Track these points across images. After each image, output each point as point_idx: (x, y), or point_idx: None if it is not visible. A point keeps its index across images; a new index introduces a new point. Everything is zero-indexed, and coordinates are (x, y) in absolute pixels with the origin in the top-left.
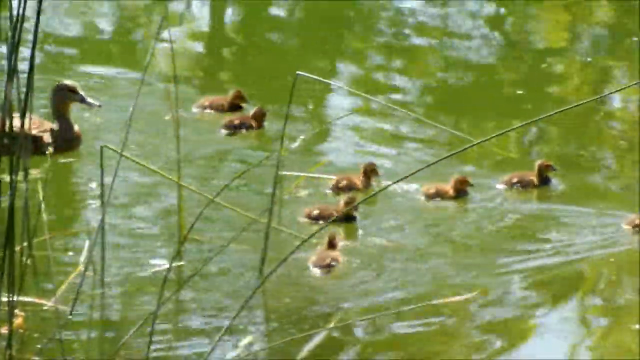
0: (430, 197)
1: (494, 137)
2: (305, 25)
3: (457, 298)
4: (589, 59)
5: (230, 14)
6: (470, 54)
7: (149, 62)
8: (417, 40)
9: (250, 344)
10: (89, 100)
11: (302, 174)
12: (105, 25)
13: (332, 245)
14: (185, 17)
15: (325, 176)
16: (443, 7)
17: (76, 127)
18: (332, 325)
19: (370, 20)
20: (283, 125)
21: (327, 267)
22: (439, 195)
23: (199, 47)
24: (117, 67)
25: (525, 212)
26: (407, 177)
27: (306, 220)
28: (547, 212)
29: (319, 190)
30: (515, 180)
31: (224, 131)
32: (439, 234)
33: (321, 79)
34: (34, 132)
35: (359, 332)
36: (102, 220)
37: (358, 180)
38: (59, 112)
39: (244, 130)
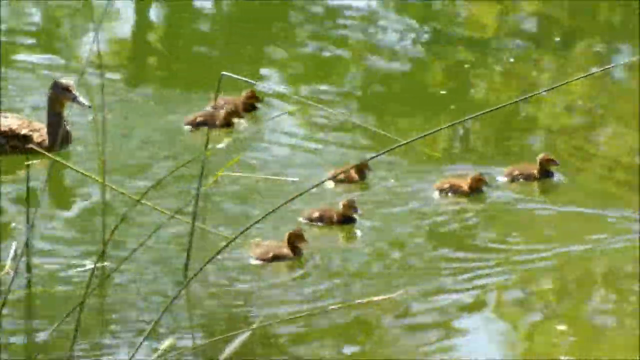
0: (443, 192)
1: (422, 136)
2: (232, 22)
3: (379, 298)
4: (511, 59)
5: (154, 11)
6: (395, 54)
7: (86, 63)
8: (344, 33)
9: (172, 345)
10: (80, 99)
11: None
12: (30, 26)
13: (293, 242)
14: (110, 16)
15: (248, 175)
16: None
17: (68, 127)
18: (255, 325)
19: (297, 17)
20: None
21: (269, 261)
22: (453, 190)
23: (124, 45)
24: (42, 65)
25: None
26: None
27: (306, 222)
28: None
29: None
30: (517, 172)
31: (187, 127)
32: (416, 232)
33: (246, 79)
34: (23, 131)
35: (283, 331)
36: (28, 221)
37: (355, 175)
38: (53, 109)
39: (205, 128)
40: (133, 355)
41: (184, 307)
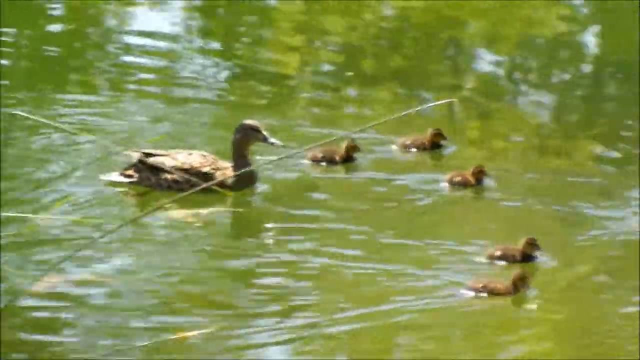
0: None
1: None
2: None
3: (189, 334)
4: (312, 92)
5: None
6: (198, 84)
7: None
8: (143, 75)
9: None
10: (272, 140)
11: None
12: None
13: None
14: None
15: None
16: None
17: (254, 167)
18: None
19: (94, 52)
20: None
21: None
22: None
23: None
24: None
25: None
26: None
27: (488, 261)
28: None
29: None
30: None
31: (307, 162)
32: None
33: (38, 118)
34: (205, 169)
35: None
36: None
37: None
38: (241, 150)
39: (324, 163)
40: None
41: None
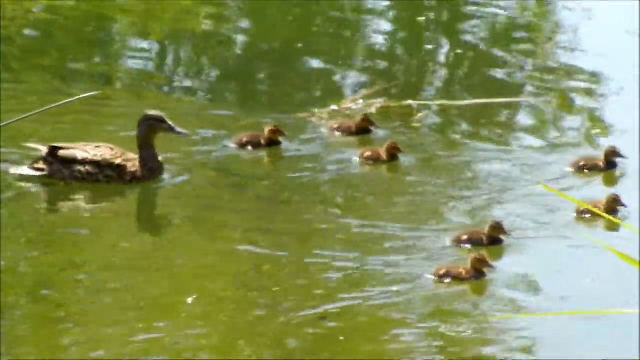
0: None
1: None
2: None
3: None
4: None
5: None
6: None
7: None
8: None
9: None
10: (178, 129)
11: None
12: None
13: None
14: None
15: None
16: None
17: (160, 157)
18: None
19: None
20: None
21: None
22: None
23: None
24: None
25: None
26: None
27: (454, 244)
28: None
29: None
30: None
31: (232, 145)
32: None
33: None
34: (117, 161)
35: None
36: None
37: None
38: (146, 141)
39: (250, 147)
40: None
41: None
